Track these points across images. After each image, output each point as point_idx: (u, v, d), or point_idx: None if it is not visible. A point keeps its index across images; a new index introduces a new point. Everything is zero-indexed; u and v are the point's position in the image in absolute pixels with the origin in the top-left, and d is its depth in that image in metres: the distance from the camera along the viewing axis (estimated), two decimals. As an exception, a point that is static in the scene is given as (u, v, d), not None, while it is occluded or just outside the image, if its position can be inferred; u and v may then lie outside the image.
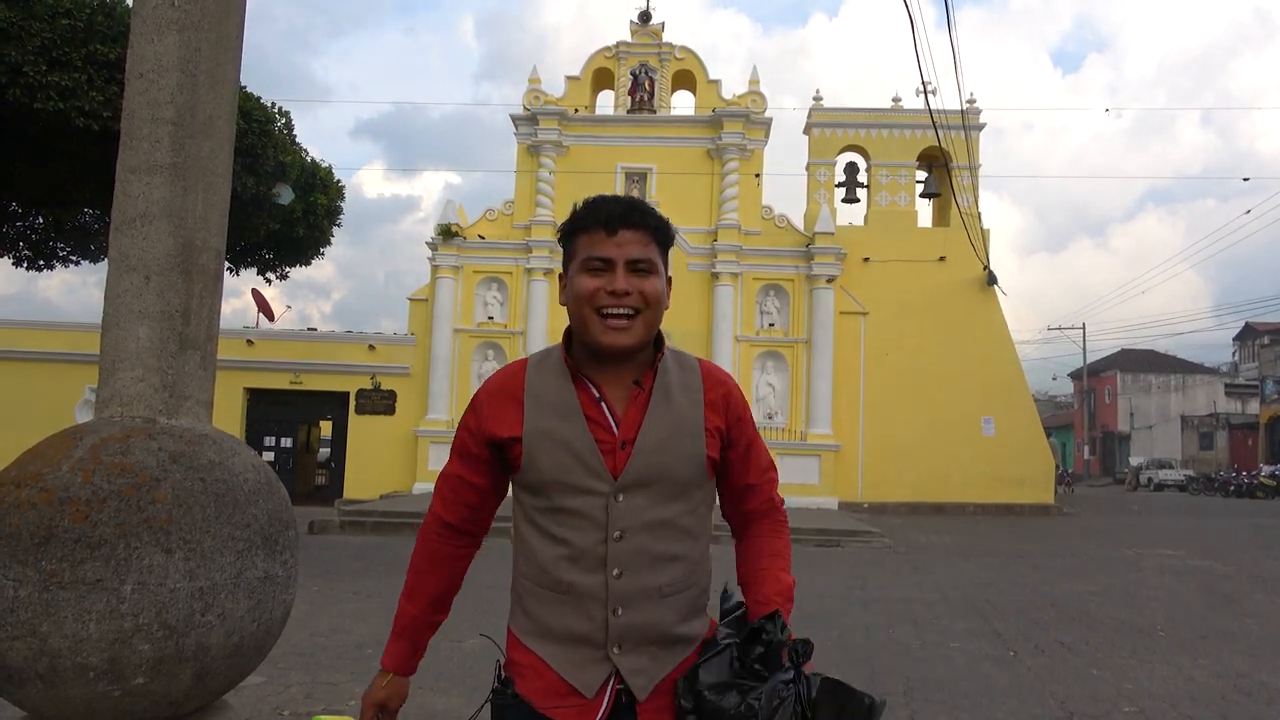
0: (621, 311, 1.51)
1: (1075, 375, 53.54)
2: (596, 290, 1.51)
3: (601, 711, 1.51)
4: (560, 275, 1.64)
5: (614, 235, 1.52)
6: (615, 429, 1.54)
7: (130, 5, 6.86)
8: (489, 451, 1.60)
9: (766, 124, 21.32)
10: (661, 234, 1.57)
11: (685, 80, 22.20)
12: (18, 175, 11.24)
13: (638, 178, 21.10)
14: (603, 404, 1.55)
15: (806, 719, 1.41)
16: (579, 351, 1.58)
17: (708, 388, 1.62)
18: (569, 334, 1.60)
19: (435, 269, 20.67)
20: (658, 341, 1.60)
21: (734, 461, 1.66)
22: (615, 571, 1.51)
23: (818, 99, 22.37)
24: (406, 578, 1.69)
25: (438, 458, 19.52)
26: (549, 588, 1.54)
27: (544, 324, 20.09)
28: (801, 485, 19.25)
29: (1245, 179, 27.02)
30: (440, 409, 19.95)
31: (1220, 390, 49.94)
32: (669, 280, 1.61)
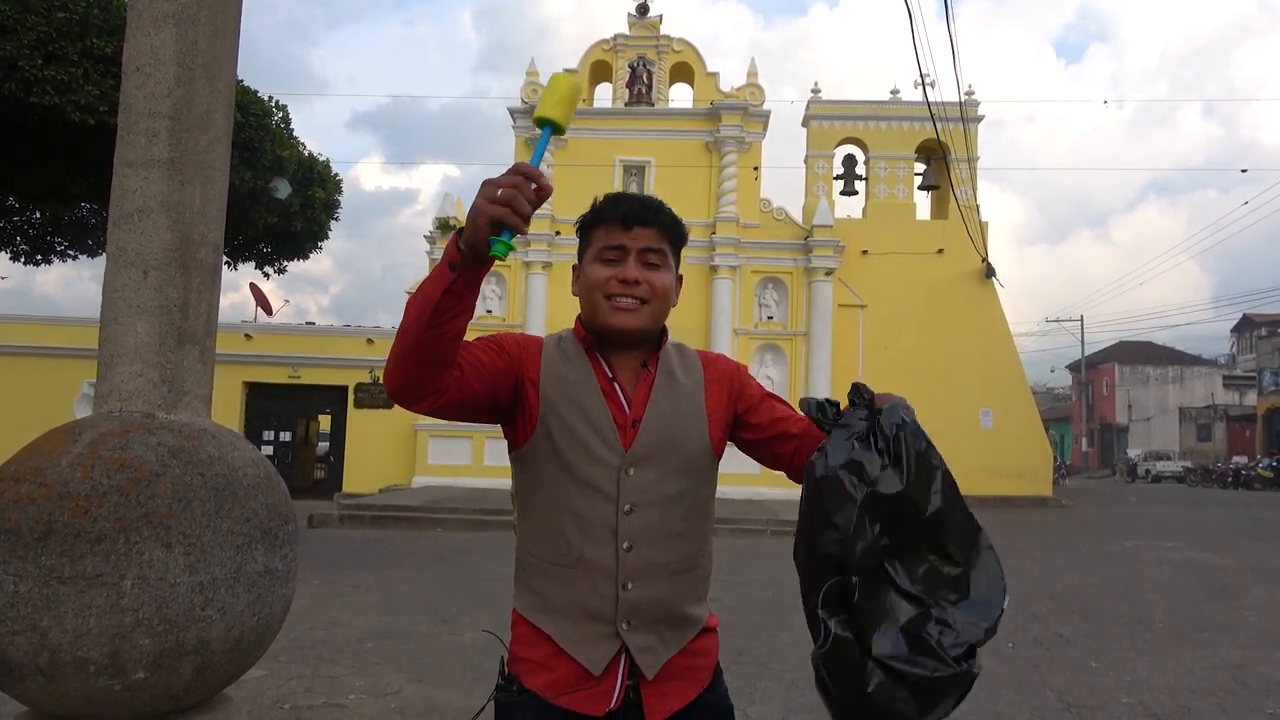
0: (629, 296, 1.57)
1: (1073, 367, 53.57)
2: (609, 278, 1.57)
3: (615, 698, 1.51)
4: (574, 266, 1.69)
5: (629, 230, 1.58)
6: (627, 407, 1.59)
7: (126, -2, 6.79)
8: (512, 373, 1.56)
9: (765, 116, 21.27)
10: (675, 232, 1.63)
11: (683, 73, 22.14)
12: (15, 170, 11.21)
13: (636, 171, 21.06)
14: (615, 382, 1.61)
15: (875, 434, 1.36)
16: (590, 336, 1.64)
17: (706, 370, 1.70)
18: (579, 320, 1.66)
19: (433, 263, 20.64)
20: (661, 331, 1.67)
21: (759, 412, 1.67)
22: (625, 545, 1.53)
23: (816, 91, 22.34)
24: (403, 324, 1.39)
25: (437, 452, 19.53)
26: (558, 561, 1.55)
27: (542, 318, 20.05)
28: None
29: (1243, 170, 27.06)
30: (439, 403, 19.93)
31: (1218, 382, 50.00)
32: (679, 279, 1.67)
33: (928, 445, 1.38)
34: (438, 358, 1.37)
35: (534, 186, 1.26)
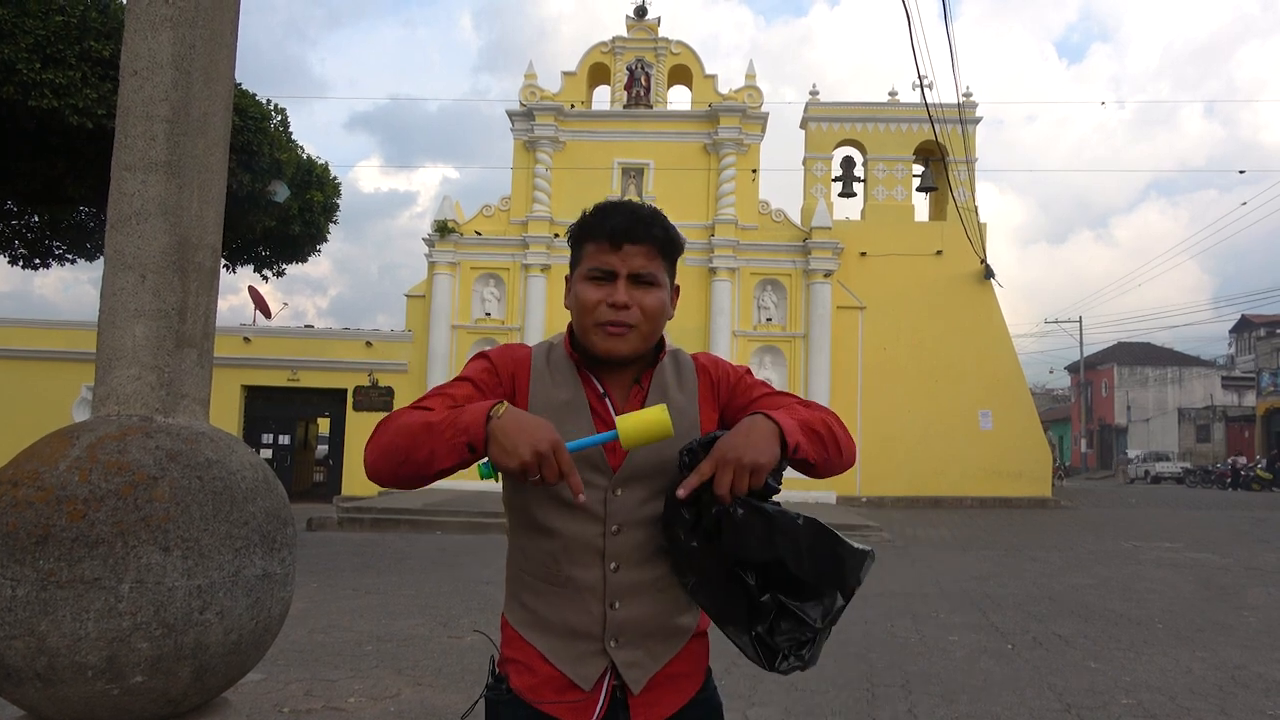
0: (619, 322, 1.52)
1: (1072, 369, 53.59)
2: (598, 303, 1.52)
3: (599, 707, 1.52)
4: (566, 277, 1.64)
5: (619, 249, 1.53)
6: None
7: (124, 1, 6.82)
8: (507, 391, 1.57)
9: (763, 118, 21.30)
10: (669, 246, 1.57)
11: (682, 75, 22.16)
12: (13, 173, 11.20)
13: (635, 173, 21.08)
14: (607, 400, 1.57)
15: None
16: (581, 351, 1.60)
17: (701, 378, 1.64)
18: (571, 330, 1.62)
19: (432, 265, 20.65)
20: (659, 343, 1.62)
21: (756, 407, 1.61)
22: (613, 565, 1.52)
23: (814, 93, 22.36)
24: (399, 435, 1.41)
25: (436, 454, 19.53)
26: (546, 580, 1.55)
27: (541, 320, 20.07)
28: (799, 479, 19.27)
29: (1241, 171, 27.12)
30: (438, 405, 19.93)
31: (1217, 383, 50.05)
32: (676, 289, 1.61)
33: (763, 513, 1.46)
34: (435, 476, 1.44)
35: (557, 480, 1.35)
